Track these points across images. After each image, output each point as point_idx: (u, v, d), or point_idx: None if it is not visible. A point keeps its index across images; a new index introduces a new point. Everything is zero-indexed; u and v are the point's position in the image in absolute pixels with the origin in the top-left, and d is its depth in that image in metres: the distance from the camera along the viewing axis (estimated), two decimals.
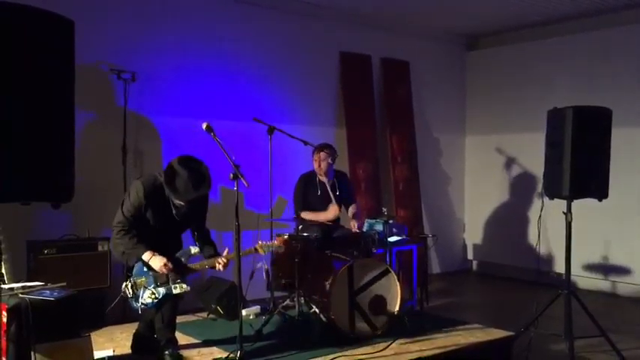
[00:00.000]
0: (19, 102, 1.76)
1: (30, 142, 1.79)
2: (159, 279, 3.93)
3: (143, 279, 3.94)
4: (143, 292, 3.89)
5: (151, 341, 4.10)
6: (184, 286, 3.95)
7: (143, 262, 3.94)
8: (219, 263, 4.03)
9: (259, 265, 5.31)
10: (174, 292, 3.94)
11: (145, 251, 3.90)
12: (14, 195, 1.80)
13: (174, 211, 3.97)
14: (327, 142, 5.62)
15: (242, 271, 4.00)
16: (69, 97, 1.94)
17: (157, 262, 3.89)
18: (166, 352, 3.95)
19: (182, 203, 3.90)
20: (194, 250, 4.13)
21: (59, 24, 1.88)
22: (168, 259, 3.92)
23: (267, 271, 5.30)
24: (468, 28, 8.26)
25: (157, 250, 3.94)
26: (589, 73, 7.19)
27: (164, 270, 3.89)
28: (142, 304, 3.89)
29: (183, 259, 4.07)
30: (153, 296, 3.89)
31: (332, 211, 5.32)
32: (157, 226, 3.99)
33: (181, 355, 4.03)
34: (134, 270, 3.98)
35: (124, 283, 3.97)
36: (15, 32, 1.75)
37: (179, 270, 3.98)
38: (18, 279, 4.32)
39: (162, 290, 3.91)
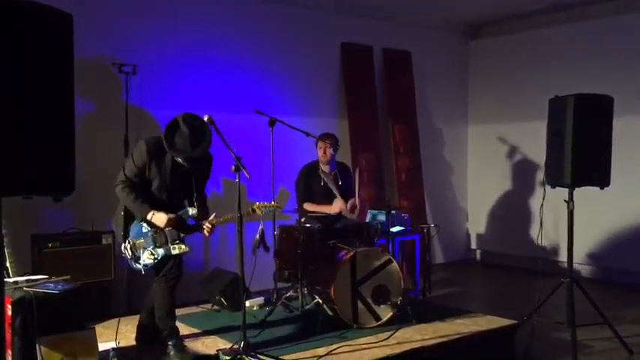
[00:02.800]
0: (17, 96, 1.77)
1: (29, 136, 1.80)
2: (157, 240, 3.93)
3: (141, 240, 3.94)
4: (142, 253, 3.91)
5: (155, 331, 4.12)
6: (183, 246, 3.95)
7: (146, 221, 3.92)
8: (205, 228, 3.99)
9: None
10: (173, 252, 3.94)
11: (148, 211, 3.88)
12: (14, 189, 1.81)
13: (179, 169, 3.92)
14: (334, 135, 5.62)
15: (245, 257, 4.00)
16: (68, 91, 1.94)
17: (160, 219, 3.88)
18: (170, 343, 3.98)
19: (180, 160, 3.86)
20: (192, 211, 4.03)
21: (57, 18, 1.89)
22: (171, 214, 3.90)
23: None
24: (469, 18, 8.23)
25: (159, 209, 3.93)
26: (591, 61, 7.17)
27: (168, 226, 3.88)
28: (143, 264, 3.91)
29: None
30: (152, 257, 3.90)
31: (337, 206, 5.31)
32: (160, 187, 3.95)
33: (185, 346, 4.06)
34: (132, 231, 3.97)
35: (123, 245, 3.98)
36: (12, 26, 1.75)
37: (182, 227, 3.97)
38: (22, 272, 4.36)
39: (160, 251, 3.92)
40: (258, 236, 4.95)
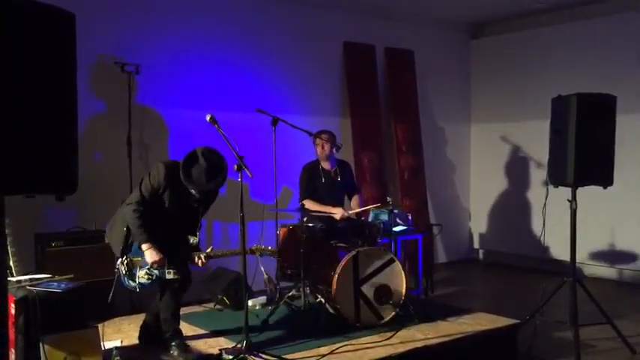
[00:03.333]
0: (19, 95, 1.77)
1: (31, 135, 1.80)
2: None
3: (139, 258, 3.95)
4: (138, 272, 3.92)
5: (158, 332, 4.13)
6: (177, 274, 3.97)
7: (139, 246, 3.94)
8: (200, 259, 4.02)
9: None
10: (167, 277, 3.95)
11: (146, 242, 3.88)
12: (16, 188, 1.81)
13: (190, 198, 3.98)
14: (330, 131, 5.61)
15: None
16: (70, 90, 1.95)
17: (150, 256, 3.88)
18: (173, 344, 3.99)
19: (193, 192, 3.91)
20: (192, 240, 4.08)
21: (60, 17, 1.89)
22: (164, 256, 3.90)
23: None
24: (472, 17, 8.22)
25: (163, 239, 3.95)
26: (593, 60, 7.16)
27: (153, 264, 3.88)
28: (139, 283, 3.92)
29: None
30: (147, 276, 3.92)
31: (338, 212, 5.28)
32: (171, 211, 4.00)
33: (188, 346, 4.07)
34: (132, 248, 3.98)
35: (119, 260, 3.96)
36: (14, 25, 1.75)
37: (174, 265, 3.97)
38: (26, 271, 4.37)
39: (156, 272, 3.94)
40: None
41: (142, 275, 3.91)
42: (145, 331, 4.25)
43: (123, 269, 3.93)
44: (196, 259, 4.03)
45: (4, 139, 1.72)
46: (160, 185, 3.95)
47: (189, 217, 4.11)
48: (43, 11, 1.83)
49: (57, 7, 1.92)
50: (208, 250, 4.13)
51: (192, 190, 3.90)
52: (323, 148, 5.40)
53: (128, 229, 3.96)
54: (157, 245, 3.90)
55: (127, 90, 5.40)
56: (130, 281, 3.94)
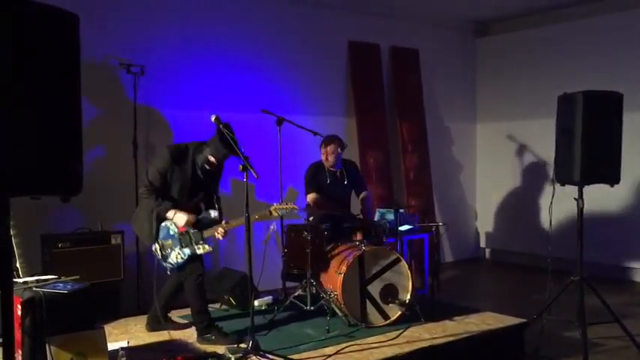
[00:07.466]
0: (24, 96, 1.78)
1: (36, 137, 1.81)
2: (183, 241, 4.22)
3: (169, 241, 4.22)
4: (170, 253, 4.20)
5: (160, 320, 4.40)
6: (207, 246, 4.24)
7: (167, 219, 4.19)
8: (219, 233, 4.21)
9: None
10: (198, 252, 4.22)
11: (169, 210, 4.14)
12: (22, 189, 1.82)
13: (199, 172, 4.20)
14: (336, 132, 5.57)
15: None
16: (75, 91, 1.95)
17: (180, 219, 4.15)
18: (210, 332, 4.19)
19: (215, 161, 4.15)
20: (213, 214, 4.28)
21: (64, 19, 1.89)
22: (191, 214, 4.17)
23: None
24: (477, 15, 8.20)
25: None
26: (600, 57, 7.12)
27: (187, 224, 4.13)
28: (170, 263, 4.22)
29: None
30: (179, 256, 4.19)
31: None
32: (181, 190, 4.21)
33: (226, 333, 4.24)
34: (161, 234, 4.22)
35: (153, 246, 4.23)
36: (18, 27, 1.76)
37: (201, 226, 4.23)
38: (32, 273, 4.38)
39: (187, 251, 4.19)
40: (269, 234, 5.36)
41: (174, 256, 4.19)
42: (152, 317, 4.43)
43: (158, 254, 4.23)
44: (216, 233, 4.21)
45: (8, 141, 1.72)
46: (165, 169, 4.16)
47: (201, 193, 4.32)
48: (46, 12, 1.83)
49: (61, 8, 1.92)
50: (223, 223, 4.26)
51: (212, 159, 4.13)
52: (327, 159, 5.31)
53: (151, 214, 4.17)
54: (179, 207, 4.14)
55: (132, 91, 5.40)
56: (167, 263, 4.23)
